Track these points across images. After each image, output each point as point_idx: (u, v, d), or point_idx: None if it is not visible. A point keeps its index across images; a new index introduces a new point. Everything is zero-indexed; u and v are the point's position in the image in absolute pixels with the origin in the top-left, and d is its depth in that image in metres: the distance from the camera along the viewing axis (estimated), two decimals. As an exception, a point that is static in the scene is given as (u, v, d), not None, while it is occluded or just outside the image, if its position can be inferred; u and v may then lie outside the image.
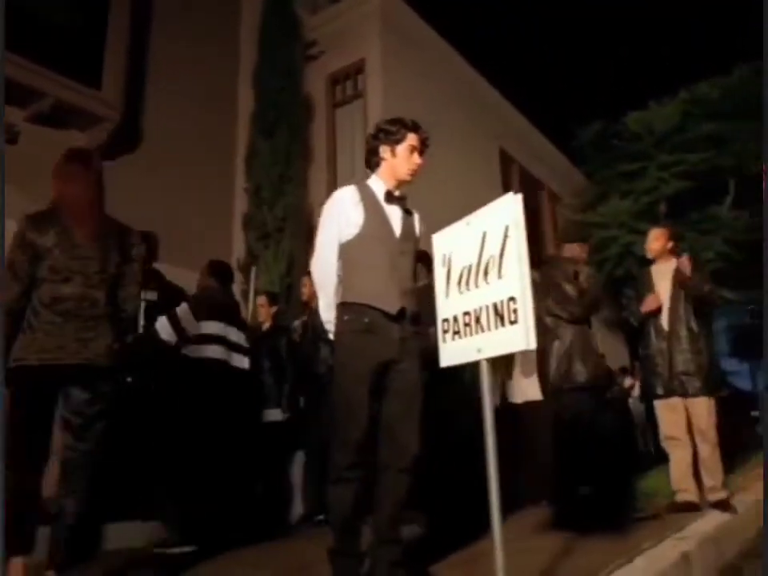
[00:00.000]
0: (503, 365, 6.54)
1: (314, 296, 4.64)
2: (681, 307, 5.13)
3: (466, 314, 2.61)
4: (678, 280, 5.13)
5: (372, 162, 3.40)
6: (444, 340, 2.75)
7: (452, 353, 2.70)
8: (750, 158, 10.00)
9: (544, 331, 5.07)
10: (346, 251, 3.17)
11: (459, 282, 2.68)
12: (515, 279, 2.35)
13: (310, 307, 5.89)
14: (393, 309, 3.06)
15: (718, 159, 9.82)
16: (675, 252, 5.36)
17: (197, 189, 8.79)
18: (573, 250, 5.36)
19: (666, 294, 5.20)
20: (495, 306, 2.43)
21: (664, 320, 5.18)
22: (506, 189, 13.60)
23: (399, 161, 3.32)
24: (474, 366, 5.92)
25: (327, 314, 3.21)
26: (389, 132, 3.34)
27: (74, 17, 7.32)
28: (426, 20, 11.47)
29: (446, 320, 2.75)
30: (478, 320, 2.53)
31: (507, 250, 2.41)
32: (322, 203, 10.02)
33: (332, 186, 10.04)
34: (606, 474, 4.87)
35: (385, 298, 3.07)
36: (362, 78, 10.45)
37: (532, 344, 2.30)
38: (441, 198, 10.73)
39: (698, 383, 4.97)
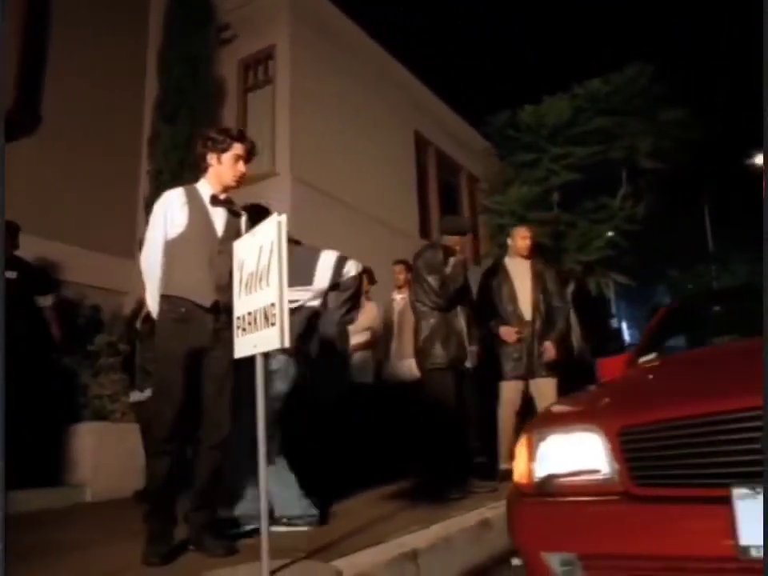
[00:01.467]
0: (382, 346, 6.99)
1: None
2: (539, 301, 5.72)
3: (249, 313, 3.02)
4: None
5: (201, 168, 3.74)
6: (237, 335, 3.17)
7: (241, 346, 3.12)
8: (640, 152, 10.65)
9: (416, 315, 5.54)
10: (170, 248, 3.53)
11: (247, 286, 3.09)
12: (275, 287, 2.78)
13: None
14: (207, 302, 3.46)
15: (609, 153, 10.40)
16: (533, 251, 5.92)
17: (102, 171, 8.97)
18: (452, 239, 5.56)
19: (527, 288, 5.76)
20: (264, 309, 2.86)
21: (524, 311, 5.74)
22: (420, 171, 14.03)
23: (224, 168, 3.64)
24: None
25: (153, 304, 3.59)
26: (216, 140, 3.66)
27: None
28: (340, 6, 11.71)
29: (239, 317, 3.16)
30: (255, 320, 2.96)
31: (272, 262, 2.83)
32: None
33: (241, 168, 10.32)
34: (457, 450, 5.29)
35: (200, 292, 3.47)
36: (272, 63, 10.68)
37: (286, 343, 2.74)
38: (355, 182, 11.13)
39: (547, 367, 5.66)
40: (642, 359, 3.87)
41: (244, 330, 3.09)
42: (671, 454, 2.00)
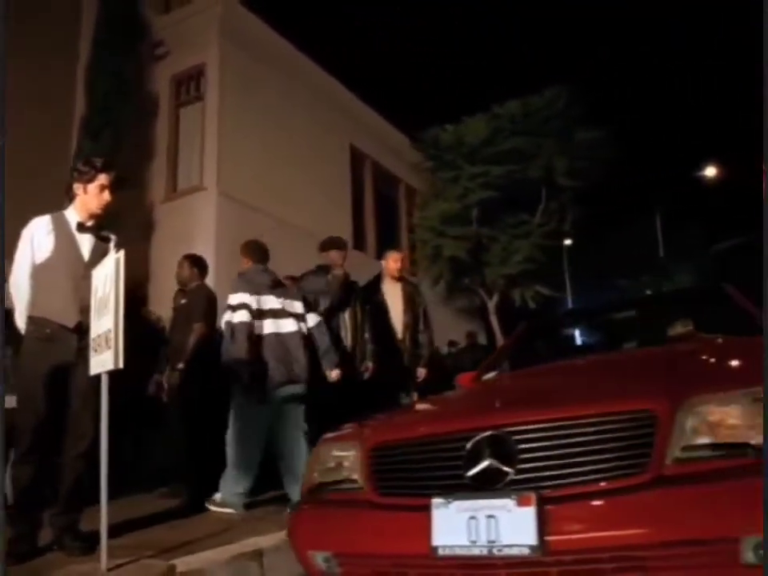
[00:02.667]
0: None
1: None
2: (410, 321, 6.18)
3: (99, 336, 3.36)
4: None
5: (69, 196, 3.96)
6: (92, 354, 3.50)
7: (94, 364, 3.45)
8: (557, 171, 11.18)
9: None
10: (37, 273, 3.79)
11: (98, 311, 3.42)
12: (111, 315, 3.13)
13: None
14: (71, 323, 3.76)
15: (527, 171, 10.88)
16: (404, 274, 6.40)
17: (32, 187, 9.12)
18: (328, 257, 5.88)
19: (398, 309, 6.18)
20: (106, 333, 3.21)
21: (399, 329, 6.16)
22: (355, 184, 14.38)
23: (90, 197, 3.85)
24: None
25: (21, 324, 3.86)
26: (81, 172, 3.88)
27: None
28: (271, 24, 12.05)
29: (93, 339, 3.49)
30: (101, 342, 3.30)
31: (110, 292, 3.18)
32: (161, 199, 10.38)
33: (171, 181, 10.64)
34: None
35: (65, 314, 3.75)
36: (203, 80, 11.01)
37: (119, 365, 3.09)
38: (285, 196, 11.42)
39: (414, 376, 6.13)
40: (485, 376, 4.23)
41: (95, 350, 3.42)
42: (397, 468, 2.42)
